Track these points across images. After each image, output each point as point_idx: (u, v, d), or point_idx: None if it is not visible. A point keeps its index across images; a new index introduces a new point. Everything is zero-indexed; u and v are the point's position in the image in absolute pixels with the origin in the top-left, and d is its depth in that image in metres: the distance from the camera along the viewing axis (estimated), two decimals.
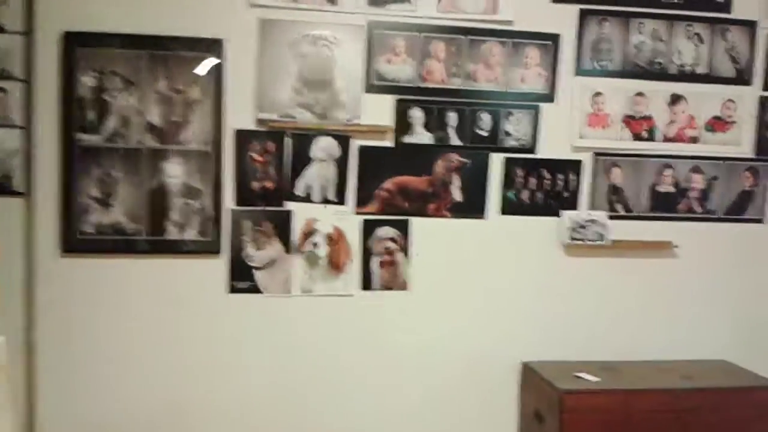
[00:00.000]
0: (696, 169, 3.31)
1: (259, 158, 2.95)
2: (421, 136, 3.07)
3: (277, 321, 3.02)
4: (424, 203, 3.11)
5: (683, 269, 3.33)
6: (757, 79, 3.28)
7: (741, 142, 3.31)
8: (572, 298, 3.26)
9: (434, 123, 3.08)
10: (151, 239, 2.91)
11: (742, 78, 3.27)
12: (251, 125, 2.93)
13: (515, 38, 3.08)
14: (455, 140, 3.10)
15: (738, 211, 3.36)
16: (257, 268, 2.99)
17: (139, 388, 2.95)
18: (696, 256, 3.33)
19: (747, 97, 3.28)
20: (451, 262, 3.15)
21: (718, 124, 3.29)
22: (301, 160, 2.98)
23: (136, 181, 2.88)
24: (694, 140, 3.28)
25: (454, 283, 3.16)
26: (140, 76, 2.84)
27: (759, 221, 3.37)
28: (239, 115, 2.91)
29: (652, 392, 2.92)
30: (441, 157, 3.10)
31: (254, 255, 2.97)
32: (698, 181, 3.32)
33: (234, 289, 2.98)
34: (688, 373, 3.11)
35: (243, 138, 2.93)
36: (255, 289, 2.99)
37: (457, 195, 3.13)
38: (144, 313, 2.93)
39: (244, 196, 2.96)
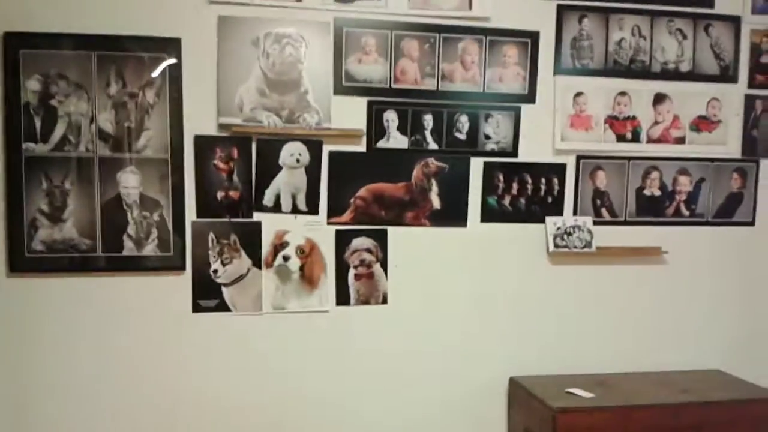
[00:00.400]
0: (683, 171, 3.18)
1: (223, 166, 2.75)
2: (396, 140, 2.89)
3: (247, 341, 2.80)
4: (402, 211, 2.92)
5: (673, 275, 3.19)
6: (742, 76, 3.17)
7: (727, 142, 3.19)
8: (559, 308, 3.09)
9: (409, 126, 2.91)
10: (107, 256, 2.68)
11: (726, 75, 3.16)
12: (213, 130, 2.73)
13: (492, 36, 2.93)
14: (432, 144, 2.93)
15: (727, 213, 3.23)
16: (224, 285, 2.77)
17: (94, 420, 2.70)
18: (686, 262, 3.19)
19: (732, 95, 3.17)
20: (431, 274, 2.96)
21: (703, 123, 3.17)
22: (269, 167, 2.78)
23: (88, 193, 2.65)
24: (679, 141, 3.15)
25: (435, 295, 2.97)
26: (90, 80, 2.63)
27: (749, 224, 3.24)
28: (200, 120, 2.71)
29: (651, 408, 2.75)
30: (418, 163, 2.92)
31: (220, 271, 2.75)
32: (685, 184, 3.19)
33: (199, 308, 2.76)
34: (686, 386, 2.95)
35: (204, 144, 2.73)
36: (223, 307, 2.77)
37: (435, 202, 2.95)
38: (99, 337, 2.69)
39: (207, 207, 2.74)
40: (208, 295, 2.76)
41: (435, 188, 2.94)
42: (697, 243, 3.20)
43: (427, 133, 2.93)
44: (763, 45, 3.18)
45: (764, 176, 3.23)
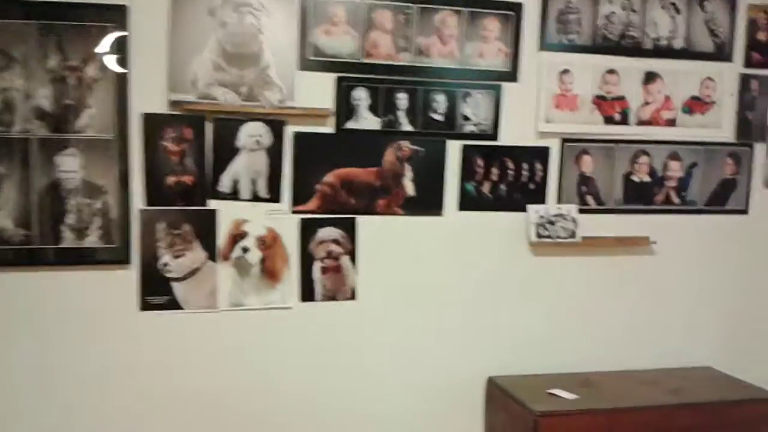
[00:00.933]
0: (673, 156, 2.98)
1: (175, 148, 2.48)
2: (366, 120, 2.65)
3: (202, 341, 2.56)
4: (373, 199, 2.69)
5: (662, 267, 3.00)
6: (738, 54, 2.96)
7: (721, 125, 2.99)
8: (541, 302, 2.90)
9: (381, 105, 2.66)
10: (44, 248, 2.41)
11: (722, 53, 2.95)
12: (163, 108, 2.46)
13: (472, 7, 2.69)
14: (406, 125, 2.69)
15: (720, 201, 3.04)
16: (176, 280, 2.52)
17: (33, 429, 2.44)
18: (675, 252, 3.00)
19: (727, 74, 2.96)
20: (404, 266, 2.74)
21: (696, 104, 2.96)
22: (226, 149, 2.53)
23: (23, 178, 2.38)
24: (670, 123, 2.95)
25: (409, 289, 2.75)
26: (26, 52, 2.36)
27: (743, 212, 3.06)
28: (149, 97, 2.44)
29: (639, 411, 2.56)
30: (390, 145, 2.68)
31: (172, 264, 2.50)
32: (676, 169, 2.99)
33: (147, 306, 2.51)
34: (675, 386, 2.77)
35: (154, 124, 2.46)
36: (174, 305, 2.52)
37: (409, 189, 2.72)
38: (35, 338, 2.42)
39: (157, 193, 2.49)
40: (157, 291, 2.51)
41: (409, 173, 2.71)
42: (688, 232, 3.01)
43: (401, 114, 2.69)
44: (760, 21, 2.97)
45: (759, 161, 3.04)
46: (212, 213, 2.53)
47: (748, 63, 2.97)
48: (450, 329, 2.81)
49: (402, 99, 2.68)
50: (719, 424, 2.62)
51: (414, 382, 2.78)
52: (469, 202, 2.79)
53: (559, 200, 2.88)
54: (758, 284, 3.10)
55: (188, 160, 2.50)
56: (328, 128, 2.62)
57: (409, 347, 2.78)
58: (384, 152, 2.68)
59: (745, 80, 2.98)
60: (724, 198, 3.04)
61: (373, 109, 2.66)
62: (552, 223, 2.87)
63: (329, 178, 2.64)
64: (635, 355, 2.98)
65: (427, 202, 2.74)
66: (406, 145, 2.69)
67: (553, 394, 2.62)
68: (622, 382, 2.80)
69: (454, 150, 2.75)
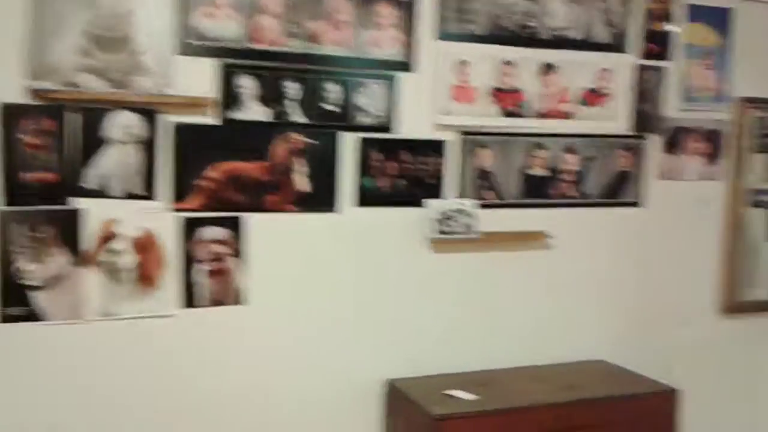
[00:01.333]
0: (570, 149, 2.94)
1: (35, 141, 2.22)
2: (253, 111, 2.47)
3: (69, 356, 2.31)
4: (261, 195, 2.51)
5: (559, 261, 2.97)
6: (634, 45, 2.95)
7: (617, 118, 2.97)
8: (440, 300, 2.81)
9: (270, 95, 2.48)
10: None
11: (618, 44, 2.93)
12: (20, 97, 2.19)
13: None
14: (297, 116, 2.52)
15: (614, 194, 3.03)
16: (36, 288, 2.25)
17: None
18: (572, 246, 2.98)
19: (623, 66, 2.94)
20: (297, 267, 2.58)
21: (592, 97, 2.93)
22: (93, 142, 2.28)
23: None
24: (567, 116, 2.91)
25: (303, 291, 2.60)
26: None
27: (637, 204, 3.06)
28: (4, 85, 2.16)
29: (537, 409, 2.51)
30: (280, 138, 2.51)
31: (31, 270, 2.23)
32: (572, 163, 2.96)
33: (6, 318, 2.23)
34: (572, 381, 2.75)
35: (9, 114, 2.19)
36: (34, 316, 2.26)
37: (302, 184, 2.55)
38: None
39: (12, 192, 2.22)
40: (14, 301, 2.23)
41: (301, 168, 2.55)
42: (584, 226, 2.99)
43: (291, 104, 2.52)
44: (656, 12, 2.96)
45: (652, 153, 3.05)
46: (77, 213, 2.28)
47: (644, 54, 2.97)
48: (346, 332, 2.67)
49: (292, 88, 2.51)
50: (614, 418, 2.61)
51: (308, 388, 2.63)
52: (366, 198, 2.66)
53: (459, 195, 2.79)
54: (651, 276, 3.12)
55: (50, 155, 2.23)
56: (211, 119, 2.41)
57: (304, 352, 2.62)
58: (273, 145, 2.50)
59: (641, 71, 2.97)
60: (618, 191, 3.04)
61: (261, 98, 2.48)
62: (451, 218, 2.77)
63: (213, 173, 2.43)
64: (533, 350, 2.94)
65: (321, 198, 2.59)
66: (297, 137, 2.52)
67: (450, 396, 2.54)
68: (520, 380, 2.75)
69: (349, 143, 2.60)
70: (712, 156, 3.16)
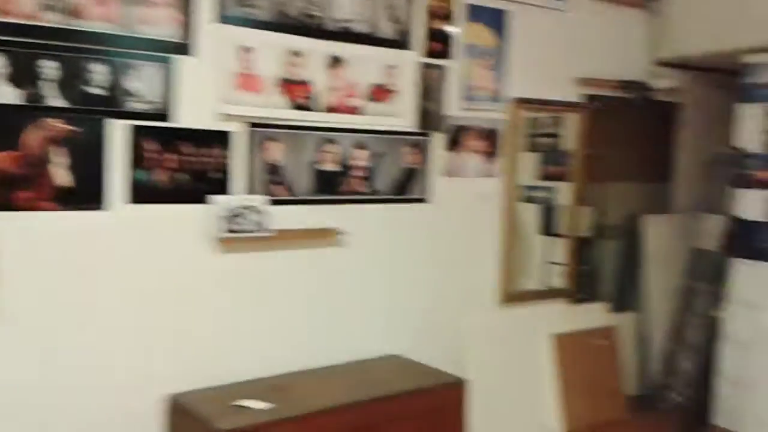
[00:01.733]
0: (360, 145, 2.90)
1: None
2: (1, 92, 2.10)
3: None
4: (11, 191, 2.15)
5: (351, 259, 2.92)
6: (417, 42, 2.98)
7: (403, 114, 2.99)
8: (229, 304, 2.60)
9: (22, 74, 2.14)
10: None
11: (403, 41, 2.94)
12: None
13: None
14: (56, 100, 2.21)
15: (402, 190, 3.04)
16: None
17: None
18: (363, 243, 2.95)
19: (407, 63, 2.96)
20: (59, 273, 2.26)
21: (379, 92, 2.92)
22: None
23: None
24: (356, 111, 2.86)
25: (66, 302, 2.29)
26: None
27: (422, 201, 3.10)
28: None
29: (334, 411, 2.41)
30: (35, 124, 2.17)
31: None
32: (362, 158, 2.92)
33: None
34: (365, 379, 2.70)
35: None
36: None
37: (62, 178, 2.23)
38: None
39: None
40: None
41: (61, 159, 2.22)
42: (375, 222, 2.98)
43: (49, 85, 2.19)
44: (437, 10, 3.03)
45: (437, 150, 3.11)
46: None
47: (427, 52, 3.01)
48: (121, 346, 2.38)
49: (49, 68, 2.19)
50: (409, 412, 2.60)
51: (78, 415, 2.29)
52: (141, 194, 2.40)
53: (248, 191, 2.62)
54: (440, 270, 3.18)
55: None
56: None
57: (70, 373, 2.28)
58: (26, 132, 2.16)
59: (425, 69, 3.02)
60: (406, 187, 3.05)
61: (12, 78, 2.12)
62: (240, 216, 2.59)
63: None
64: (329, 350, 2.85)
65: (86, 194, 2.29)
66: (55, 123, 2.20)
67: (241, 406, 2.35)
68: (314, 381, 2.64)
69: (119, 131, 2.33)
70: (491, 154, 3.30)
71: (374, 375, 2.75)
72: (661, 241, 3.86)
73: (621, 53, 3.69)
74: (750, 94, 3.41)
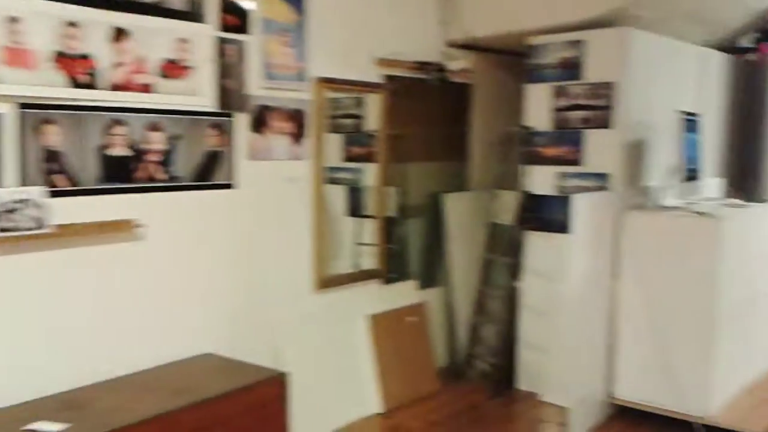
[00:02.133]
0: (153, 126, 2.65)
1: None
2: None
3: None
4: None
5: (152, 252, 2.66)
6: (212, 15, 2.77)
7: (200, 93, 2.77)
8: (9, 315, 2.25)
9: None
10: None
11: (195, 13, 2.72)
12: None
13: None
14: None
15: (205, 175, 2.83)
16: None
17: None
18: (166, 235, 2.69)
19: (201, 37, 2.74)
20: None
21: (173, 68, 2.67)
22: None
23: None
24: (147, 89, 2.60)
25: None
26: None
27: (228, 186, 2.90)
28: None
29: (139, 426, 2.14)
30: None
31: None
32: (158, 141, 2.66)
33: None
34: (176, 385, 2.47)
35: None
36: None
37: None
38: None
39: None
40: None
41: None
42: (176, 212, 2.73)
43: None
44: None
45: (241, 132, 2.92)
46: None
47: (222, 26, 2.81)
48: None
49: None
50: (228, 414, 2.41)
51: None
52: None
53: (21, 182, 2.27)
54: (251, 259, 3.00)
55: None
56: None
57: None
58: None
59: (221, 45, 2.81)
60: (210, 172, 2.84)
61: None
62: (12, 211, 2.25)
63: None
64: (134, 356, 2.57)
65: None
66: None
67: (33, 431, 2.02)
68: (117, 393, 2.36)
69: None
70: (297, 136, 3.18)
71: (186, 379, 2.52)
72: (461, 218, 3.99)
73: (418, 34, 3.75)
74: (537, 75, 3.62)
